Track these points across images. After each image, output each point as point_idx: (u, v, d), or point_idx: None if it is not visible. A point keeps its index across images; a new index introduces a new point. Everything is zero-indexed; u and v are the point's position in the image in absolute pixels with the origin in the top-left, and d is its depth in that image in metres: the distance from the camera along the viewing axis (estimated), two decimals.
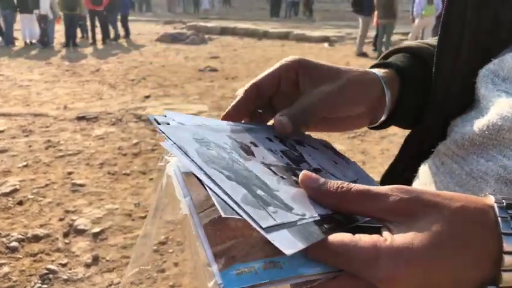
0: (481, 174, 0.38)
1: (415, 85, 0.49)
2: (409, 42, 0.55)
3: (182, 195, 0.36)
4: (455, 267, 0.28)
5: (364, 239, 0.29)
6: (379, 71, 0.48)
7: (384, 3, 8.56)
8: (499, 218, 0.28)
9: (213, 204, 0.31)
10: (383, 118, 0.49)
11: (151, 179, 3.38)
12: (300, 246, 0.29)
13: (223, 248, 0.30)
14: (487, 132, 0.38)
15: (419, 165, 0.49)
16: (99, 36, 11.84)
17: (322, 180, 0.33)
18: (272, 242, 0.28)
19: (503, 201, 0.29)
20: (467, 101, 0.45)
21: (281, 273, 0.29)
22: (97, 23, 11.80)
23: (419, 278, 0.28)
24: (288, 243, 0.29)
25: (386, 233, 0.30)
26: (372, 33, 9.73)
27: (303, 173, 0.34)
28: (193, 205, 0.34)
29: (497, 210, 0.29)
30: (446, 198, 0.30)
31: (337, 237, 0.30)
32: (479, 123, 0.40)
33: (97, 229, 2.67)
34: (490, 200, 0.30)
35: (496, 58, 0.42)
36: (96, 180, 3.36)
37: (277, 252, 0.29)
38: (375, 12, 8.98)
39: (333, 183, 0.32)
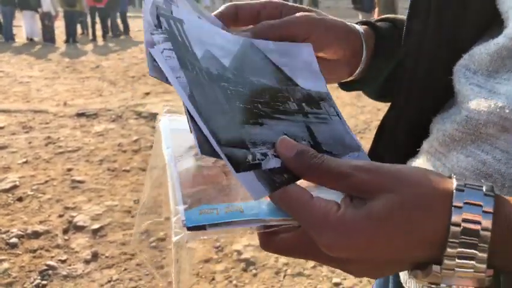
0: (462, 170, 0.39)
1: (387, 48, 0.52)
2: (397, 16, 0.57)
3: (165, 147, 0.39)
4: (397, 249, 0.30)
5: (319, 203, 0.31)
6: (359, 26, 0.52)
7: (384, 1, 8.54)
8: (452, 208, 0.29)
9: (194, 154, 0.36)
10: (358, 70, 0.51)
11: (151, 177, 3.38)
12: (265, 193, 0.32)
13: (192, 192, 0.34)
14: (465, 127, 0.39)
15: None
16: (99, 32, 11.82)
17: (297, 150, 0.34)
18: (242, 184, 0.31)
19: (464, 188, 0.30)
20: (444, 96, 0.45)
21: (240, 216, 0.32)
22: (97, 20, 11.78)
23: (358, 251, 0.29)
24: (255, 189, 0.31)
25: (343, 202, 0.31)
26: None
27: (280, 141, 0.35)
28: (173, 155, 0.38)
29: (454, 197, 0.29)
30: (406, 183, 0.30)
31: (297, 192, 0.32)
32: (457, 119, 0.40)
33: (96, 226, 2.67)
34: (451, 185, 0.30)
35: (467, 53, 0.42)
36: (96, 177, 3.36)
37: (241, 198, 0.32)
38: (376, 9, 8.96)
39: (307, 156, 0.33)
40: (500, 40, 0.39)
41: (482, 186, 0.30)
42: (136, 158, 3.74)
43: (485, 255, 0.29)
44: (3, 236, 2.55)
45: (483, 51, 0.40)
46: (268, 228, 0.33)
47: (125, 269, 2.30)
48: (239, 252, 2.43)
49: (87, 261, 2.35)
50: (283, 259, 2.36)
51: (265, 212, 0.32)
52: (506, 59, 0.38)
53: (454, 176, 0.31)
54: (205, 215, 0.32)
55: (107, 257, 2.40)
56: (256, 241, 2.52)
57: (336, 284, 2.20)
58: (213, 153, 0.32)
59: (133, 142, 4.08)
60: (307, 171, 0.33)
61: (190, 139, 0.35)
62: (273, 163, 0.34)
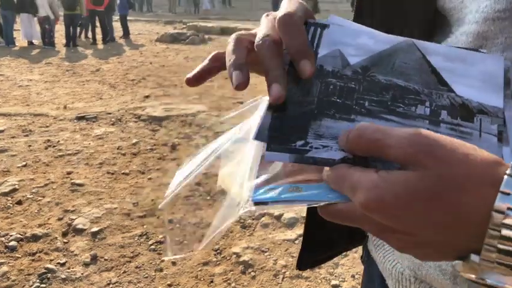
0: None
1: None
2: None
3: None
4: (432, 226, 0.29)
5: (356, 169, 0.32)
6: None
7: None
8: (499, 194, 0.27)
9: None
10: None
11: (149, 179, 3.39)
12: (284, 159, 0.35)
13: (265, 173, 0.37)
14: None
15: None
16: (99, 36, 11.85)
17: (347, 133, 0.33)
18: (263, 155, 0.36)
19: None
20: None
21: (299, 196, 0.35)
22: (97, 23, 11.82)
23: (392, 216, 0.29)
24: (274, 156, 0.35)
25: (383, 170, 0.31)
26: None
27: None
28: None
29: (503, 183, 0.27)
30: (453, 161, 0.28)
31: (341, 167, 0.33)
32: None
33: (95, 228, 2.67)
34: (502, 171, 0.28)
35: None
36: (95, 180, 3.37)
37: (303, 181, 0.35)
38: None
39: (352, 135, 0.33)
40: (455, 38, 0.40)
41: None
42: (135, 161, 3.75)
43: None
44: (2, 239, 2.55)
45: None
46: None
47: (124, 272, 2.30)
48: (238, 255, 2.43)
49: (86, 264, 2.35)
50: (281, 261, 2.37)
51: (321, 194, 0.34)
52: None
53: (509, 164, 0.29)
54: (269, 194, 0.35)
55: (106, 259, 2.40)
56: (254, 243, 2.52)
57: (335, 286, 2.21)
58: (262, 139, 0.35)
59: (132, 145, 4.09)
60: (357, 147, 0.33)
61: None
62: (330, 154, 0.34)
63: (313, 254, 0.69)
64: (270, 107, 0.36)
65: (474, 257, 0.29)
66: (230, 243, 2.54)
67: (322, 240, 0.67)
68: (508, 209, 0.27)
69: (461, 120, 0.35)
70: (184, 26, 15.65)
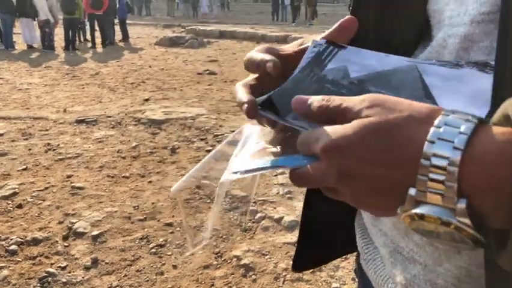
0: None
1: None
2: None
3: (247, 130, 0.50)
4: (377, 161, 0.32)
5: (320, 128, 0.36)
6: None
7: None
8: (432, 128, 0.31)
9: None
10: None
11: (149, 182, 3.39)
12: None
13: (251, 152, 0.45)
14: None
15: None
16: (98, 40, 11.87)
17: (308, 102, 0.38)
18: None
19: (449, 114, 0.31)
20: None
21: (274, 162, 0.40)
22: (96, 27, 11.83)
23: (346, 154, 0.33)
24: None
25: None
26: None
27: (294, 99, 0.39)
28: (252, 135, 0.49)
29: (430, 134, 0.30)
30: (398, 107, 0.33)
31: (308, 131, 0.38)
32: None
33: (96, 232, 2.67)
34: (438, 114, 0.32)
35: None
36: (95, 183, 3.37)
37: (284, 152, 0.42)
38: None
39: (316, 103, 0.37)
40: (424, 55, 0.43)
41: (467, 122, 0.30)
42: (135, 164, 3.75)
43: (453, 190, 0.29)
44: (3, 243, 2.55)
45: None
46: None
47: (125, 275, 2.30)
48: (238, 258, 2.43)
49: (87, 268, 2.35)
50: (282, 264, 2.37)
51: (293, 161, 0.39)
52: None
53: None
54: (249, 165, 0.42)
55: (107, 263, 2.40)
56: (255, 246, 2.53)
57: None
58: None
59: (132, 148, 4.09)
60: (319, 117, 0.37)
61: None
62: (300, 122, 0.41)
63: (309, 256, 0.69)
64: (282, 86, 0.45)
65: (411, 190, 0.31)
66: (231, 246, 2.55)
67: (317, 242, 0.68)
68: (438, 139, 0.30)
69: None
70: (183, 29, 15.68)
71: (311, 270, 2.31)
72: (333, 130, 0.34)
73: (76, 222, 2.79)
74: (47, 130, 4.65)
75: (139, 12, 27.76)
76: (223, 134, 4.39)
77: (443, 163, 0.29)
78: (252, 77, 0.50)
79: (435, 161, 0.29)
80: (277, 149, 0.44)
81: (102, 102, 5.87)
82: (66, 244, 2.57)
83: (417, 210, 0.31)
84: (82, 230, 2.70)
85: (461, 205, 0.29)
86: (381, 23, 0.51)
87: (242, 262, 2.39)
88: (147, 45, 12.23)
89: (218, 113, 5.20)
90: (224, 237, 2.63)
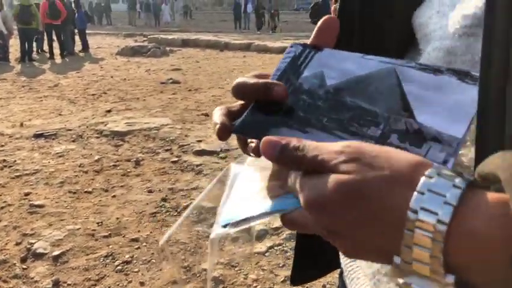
0: None
1: None
2: None
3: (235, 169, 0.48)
4: (361, 223, 0.30)
5: (305, 174, 0.34)
6: None
7: None
8: (415, 193, 0.28)
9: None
10: None
11: (114, 196, 3.29)
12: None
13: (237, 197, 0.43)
14: None
15: None
16: (57, 50, 11.52)
17: (278, 147, 0.35)
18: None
19: (434, 175, 0.28)
20: None
21: (263, 209, 0.38)
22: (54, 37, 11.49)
23: (328, 214, 0.31)
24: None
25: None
26: None
27: (263, 140, 0.36)
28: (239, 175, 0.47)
29: (420, 184, 0.28)
30: (376, 165, 0.30)
31: (295, 173, 0.36)
32: None
33: (57, 252, 2.55)
34: (423, 172, 0.29)
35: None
36: (56, 200, 3.23)
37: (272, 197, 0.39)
38: None
39: (289, 150, 0.34)
40: None
41: (457, 177, 0.28)
42: (98, 178, 3.63)
43: (440, 250, 0.27)
44: None
45: None
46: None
47: None
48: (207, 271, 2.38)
49: None
50: (252, 275, 2.34)
51: (282, 204, 0.37)
52: None
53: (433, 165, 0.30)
54: (237, 214, 0.39)
55: (69, 284, 2.29)
56: (224, 258, 2.48)
57: None
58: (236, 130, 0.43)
59: (94, 162, 3.96)
60: (293, 167, 0.35)
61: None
62: None
63: (305, 270, 0.69)
64: (253, 107, 0.43)
65: (396, 259, 0.29)
66: (199, 259, 2.49)
67: (314, 255, 0.67)
68: (421, 209, 0.27)
69: (409, 145, 0.36)
70: (145, 38, 15.48)
71: (282, 280, 2.29)
72: (314, 185, 0.32)
73: (35, 242, 2.65)
74: (2, 146, 4.44)
75: (99, 21, 27.23)
76: (189, 144, 4.33)
77: (427, 235, 0.27)
78: (237, 103, 0.48)
79: (419, 232, 0.27)
80: (268, 188, 0.41)
81: (62, 115, 5.68)
82: (24, 266, 2.44)
83: (406, 280, 0.29)
84: (41, 250, 2.57)
85: (449, 280, 0.27)
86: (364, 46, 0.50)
87: (211, 275, 2.34)
88: (108, 55, 11.98)
89: (183, 123, 5.13)
90: (192, 250, 2.57)
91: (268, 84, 0.42)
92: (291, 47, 0.46)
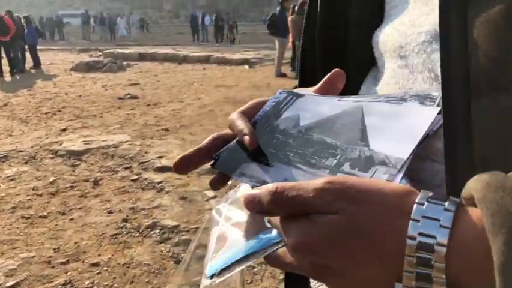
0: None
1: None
2: None
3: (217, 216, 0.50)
4: (358, 261, 0.30)
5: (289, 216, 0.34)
6: None
7: (298, 26, 8.92)
8: (410, 221, 0.29)
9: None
10: None
11: (71, 220, 3.14)
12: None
13: (221, 248, 0.43)
14: None
15: None
16: (6, 67, 11.04)
17: (257, 199, 0.35)
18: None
19: (424, 201, 0.30)
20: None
21: (247, 250, 0.39)
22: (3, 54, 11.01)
23: (318, 255, 0.31)
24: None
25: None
26: (289, 54, 10.06)
27: (243, 198, 0.36)
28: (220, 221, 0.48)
29: (413, 212, 0.30)
30: (366, 199, 0.31)
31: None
32: None
33: (11, 282, 2.40)
34: (412, 200, 0.30)
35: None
36: (8, 227, 3.05)
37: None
38: (291, 34, 9.32)
39: (265, 198, 0.34)
40: None
41: (445, 202, 0.30)
42: (53, 201, 3.46)
43: (442, 271, 0.28)
44: None
45: None
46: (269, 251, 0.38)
47: None
48: None
49: None
50: None
51: (264, 241, 0.38)
52: None
53: (418, 192, 0.31)
54: (222, 261, 0.40)
55: None
56: (190, 279, 2.41)
57: None
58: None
59: (49, 184, 3.78)
60: (278, 212, 0.35)
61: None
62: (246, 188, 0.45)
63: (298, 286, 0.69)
64: (234, 144, 0.47)
65: (398, 286, 0.30)
66: (164, 281, 2.41)
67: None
68: (419, 234, 0.29)
69: (357, 170, 0.39)
70: (101, 53, 15.15)
71: None
72: (301, 229, 0.32)
73: None
74: None
75: (51, 36, 26.45)
76: (149, 161, 4.22)
77: (429, 257, 0.28)
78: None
79: (420, 255, 0.29)
80: (249, 225, 0.42)
81: (13, 136, 5.41)
82: None
83: None
84: None
85: None
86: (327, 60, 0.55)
87: None
88: (62, 71, 11.61)
89: (142, 139, 5.01)
90: (156, 272, 2.48)
91: (243, 133, 0.45)
92: (280, 93, 0.50)
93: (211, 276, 0.39)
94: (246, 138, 0.44)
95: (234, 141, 0.47)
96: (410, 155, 0.38)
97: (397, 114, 0.41)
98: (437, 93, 0.40)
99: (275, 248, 0.37)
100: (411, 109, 0.41)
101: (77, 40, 23.76)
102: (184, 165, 0.47)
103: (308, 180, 0.33)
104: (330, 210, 0.31)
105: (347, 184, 0.31)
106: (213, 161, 0.46)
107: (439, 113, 0.39)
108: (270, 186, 0.34)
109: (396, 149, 0.39)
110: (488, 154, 0.38)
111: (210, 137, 0.48)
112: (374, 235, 0.30)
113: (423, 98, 0.41)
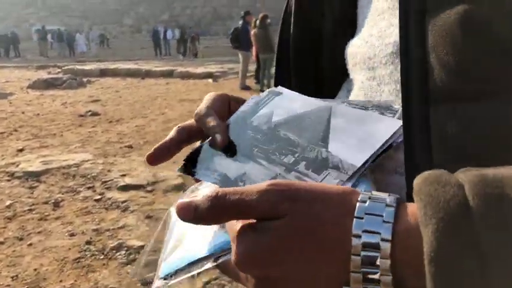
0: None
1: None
2: None
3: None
4: (301, 267, 0.30)
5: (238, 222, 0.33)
6: None
7: (261, 39, 8.99)
8: (354, 219, 0.29)
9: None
10: None
11: (30, 245, 2.98)
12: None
13: (175, 245, 0.42)
14: None
15: None
16: None
17: (192, 206, 0.33)
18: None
19: (366, 199, 0.30)
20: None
21: (203, 252, 0.38)
22: None
23: (262, 266, 0.30)
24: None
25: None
26: (253, 67, 10.12)
27: (176, 208, 0.34)
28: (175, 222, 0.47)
29: (356, 210, 0.30)
30: (311, 199, 0.30)
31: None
32: None
33: None
34: (355, 198, 0.30)
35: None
36: None
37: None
38: (254, 47, 9.38)
39: (203, 205, 0.32)
40: None
41: (386, 199, 0.30)
42: (10, 226, 3.28)
43: (388, 269, 0.28)
44: None
45: None
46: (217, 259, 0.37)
47: None
48: None
49: None
50: None
51: (217, 246, 0.37)
52: None
53: (361, 192, 0.31)
54: (177, 263, 0.39)
55: None
56: None
57: None
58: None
59: (5, 208, 3.59)
60: (219, 220, 0.33)
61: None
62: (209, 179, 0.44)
63: None
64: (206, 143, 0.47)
65: None
66: None
67: None
68: (364, 231, 0.28)
69: (311, 171, 0.39)
70: (59, 70, 14.75)
71: None
72: (245, 238, 0.31)
73: None
74: None
75: (6, 53, 25.58)
76: (112, 180, 4.09)
77: (374, 255, 0.28)
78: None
79: (366, 254, 0.28)
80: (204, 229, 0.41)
81: None
82: None
83: None
84: None
85: None
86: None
87: None
88: (18, 89, 11.19)
89: (105, 157, 4.87)
90: None
91: (214, 131, 0.45)
92: (262, 92, 0.52)
93: (165, 277, 0.38)
94: (218, 136, 0.45)
95: (206, 142, 0.47)
96: (364, 164, 0.38)
97: (361, 119, 0.42)
98: (398, 106, 0.40)
99: (227, 255, 0.36)
100: (374, 117, 0.42)
101: (34, 57, 23.07)
102: (158, 156, 0.46)
103: (251, 185, 0.32)
104: (275, 213, 0.30)
105: (291, 186, 0.31)
106: (182, 166, 0.46)
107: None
108: (209, 191, 0.33)
109: (352, 155, 0.39)
110: (448, 166, 0.37)
111: (175, 129, 0.48)
112: (321, 235, 0.29)
113: (384, 109, 0.42)
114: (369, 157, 0.38)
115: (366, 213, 0.29)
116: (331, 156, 0.40)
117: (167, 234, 0.45)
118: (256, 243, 0.30)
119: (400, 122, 0.39)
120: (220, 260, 0.36)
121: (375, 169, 0.43)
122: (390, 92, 0.44)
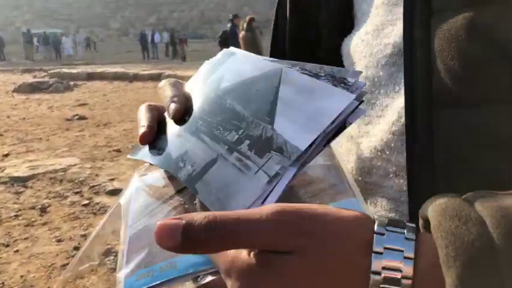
0: None
1: None
2: None
3: (123, 214, 0.43)
4: None
5: (229, 252, 0.29)
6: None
7: (249, 42, 9.01)
8: (373, 254, 0.27)
9: (148, 212, 0.40)
10: None
11: (16, 251, 2.94)
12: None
13: (136, 256, 0.36)
14: None
15: None
16: None
17: (179, 232, 0.27)
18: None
19: (383, 231, 0.28)
20: None
21: (174, 272, 0.33)
22: None
23: None
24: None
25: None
26: None
27: (156, 229, 0.27)
28: (130, 216, 0.42)
29: (374, 243, 0.27)
30: (323, 233, 0.27)
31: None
32: None
33: None
34: (371, 227, 0.28)
35: None
36: None
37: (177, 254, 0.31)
38: (242, 49, 9.39)
39: (197, 232, 0.27)
40: None
41: (404, 229, 0.28)
42: None
43: None
44: None
45: None
46: (202, 279, 0.33)
47: None
48: None
49: None
50: None
51: (198, 263, 0.33)
52: None
53: (376, 217, 0.29)
54: (141, 281, 0.33)
55: None
56: None
57: None
58: None
59: None
60: (209, 250, 0.29)
61: (153, 195, 0.42)
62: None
63: None
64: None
65: None
66: None
67: None
68: (383, 268, 0.27)
69: (253, 153, 0.35)
70: (45, 73, 14.58)
71: None
72: (248, 268, 0.28)
73: None
74: None
75: None
76: (100, 184, 4.05)
77: None
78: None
79: None
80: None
81: None
82: None
83: None
84: None
85: None
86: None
87: None
88: (3, 93, 11.04)
89: (93, 161, 4.82)
90: None
91: (171, 100, 0.42)
92: (223, 54, 0.47)
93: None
94: (172, 105, 0.41)
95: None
96: (309, 146, 0.33)
97: (311, 91, 0.36)
98: (353, 79, 0.35)
99: (208, 275, 0.32)
100: (326, 90, 0.35)
101: (19, 60, 22.79)
102: (149, 136, 0.42)
103: (250, 210, 0.28)
104: (286, 248, 0.27)
105: (305, 218, 0.28)
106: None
107: (361, 103, 0.34)
108: (201, 217, 0.27)
109: (298, 134, 0.34)
110: (450, 169, 0.37)
111: (147, 110, 0.45)
112: (337, 273, 0.27)
113: (337, 81, 0.35)
114: (316, 138, 0.33)
115: (385, 248, 0.27)
116: (275, 135, 0.34)
117: (124, 223, 0.41)
118: (266, 282, 0.27)
119: (353, 96, 0.33)
120: (203, 282, 0.32)
121: (373, 172, 0.41)
122: (387, 93, 0.43)
